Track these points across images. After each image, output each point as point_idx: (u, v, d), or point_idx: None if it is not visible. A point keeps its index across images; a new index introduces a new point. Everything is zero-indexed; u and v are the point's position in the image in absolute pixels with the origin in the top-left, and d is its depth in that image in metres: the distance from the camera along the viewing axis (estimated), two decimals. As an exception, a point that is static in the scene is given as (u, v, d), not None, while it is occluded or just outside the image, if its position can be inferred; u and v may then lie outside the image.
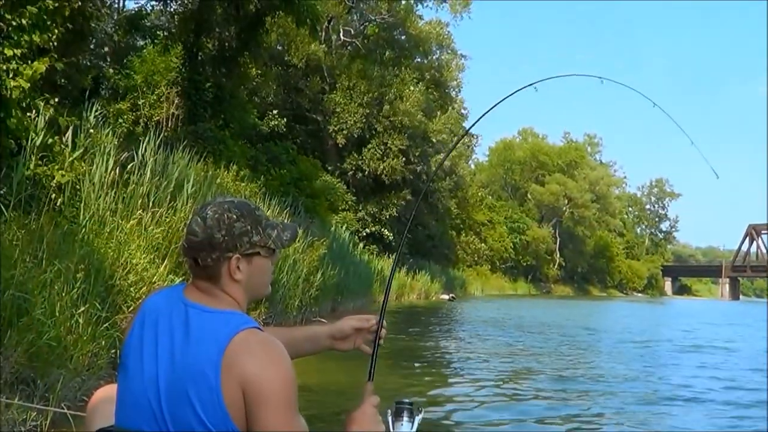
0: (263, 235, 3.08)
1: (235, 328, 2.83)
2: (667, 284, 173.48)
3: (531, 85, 5.25)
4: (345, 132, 50.42)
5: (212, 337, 2.81)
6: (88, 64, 27.63)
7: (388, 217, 51.93)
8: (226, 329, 2.82)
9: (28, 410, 7.78)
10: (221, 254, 2.99)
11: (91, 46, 28.06)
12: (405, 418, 3.46)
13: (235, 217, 3.02)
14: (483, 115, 5.03)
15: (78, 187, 12.72)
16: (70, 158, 12.75)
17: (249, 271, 3.04)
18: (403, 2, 56.81)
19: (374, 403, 3.35)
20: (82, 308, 9.50)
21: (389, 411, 3.44)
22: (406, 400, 3.53)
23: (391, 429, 3.39)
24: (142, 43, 35.10)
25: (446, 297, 58.42)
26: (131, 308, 10.96)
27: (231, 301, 3.01)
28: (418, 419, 3.49)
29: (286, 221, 3.43)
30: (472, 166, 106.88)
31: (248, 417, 2.75)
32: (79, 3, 15.70)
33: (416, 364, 17.04)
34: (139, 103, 32.13)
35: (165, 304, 3.03)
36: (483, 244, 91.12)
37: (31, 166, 11.71)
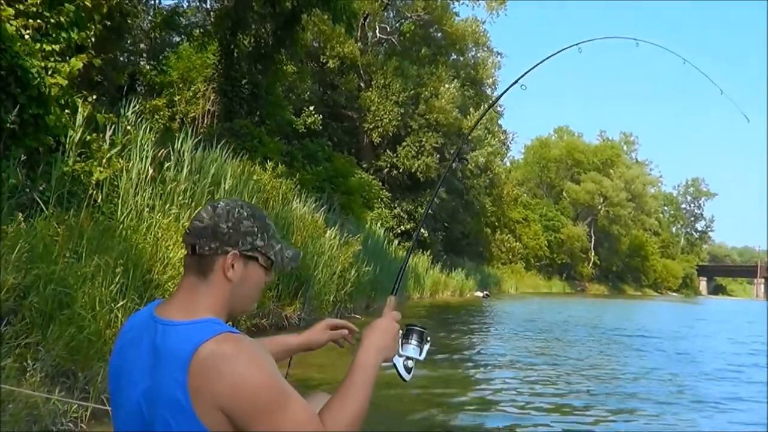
0: (267, 243, 3.03)
1: (198, 342, 2.72)
2: (702, 284, 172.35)
3: (575, 45, 5.28)
4: (380, 130, 50.37)
5: (176, 356, 2.73)
6: (125, 61, 27.84)
7: (423, 214, 51.77)
8: (189, 345, 2.72)
9: (68, 403, 7.88)
10: (221, 246, 2.93)
11: (128, 43, 28.27)
12: (414, 342, 3.42)
13: (245, 214, 2.99)
14: (525, 74, 5.05)
15: (116, 183, 12.83)
16: (108, 155, 12.85)
17: (243, 274, 2.98)
18: (439, 0, 56.70)
19: (395, 318, 3.39)
20: (121, 302, 9.60)
21: (399, 332, 3.38)
22: (418, 325, 3.50)
23: (399, 349, 3.36)
24: (178, 39, 35.30)
25: (480, 294, 58.23)
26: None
27: (209, 306, 2.93)
28: (426, 348, 3.46)
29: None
30: (508, 164, 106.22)
31: (239, 429, 2.69)
32: (117, 0, 15.85)
33: (439, 357, 17.02)
34: (176, 99, 32.34)
35: (139, 327, 2.97)
36: (518, 242, 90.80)
37: (70, 163, 11.81)
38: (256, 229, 2.99)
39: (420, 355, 3.42)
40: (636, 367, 18.83)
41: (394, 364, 3.33)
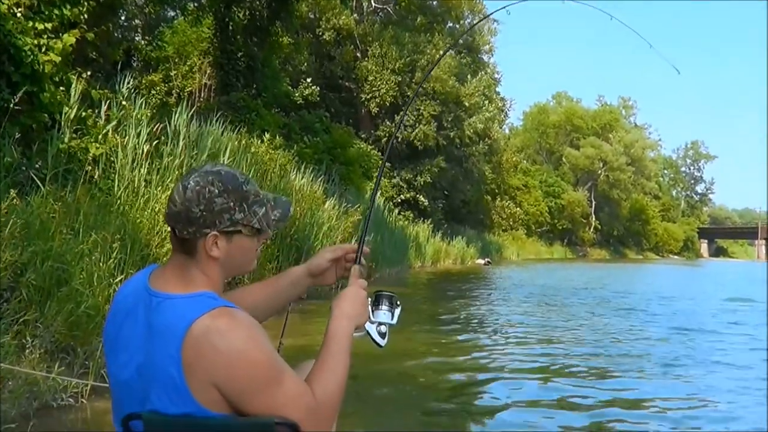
0: (247, 213, 2.94)
1: (193, 317, 2.70)
2: (704, 246, 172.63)
3: (503, 8, 5.24)
4: (378, 99, 50.26)
5: (170, 332, 2.70)
6: (120, 36, 27.77)
7: (422, 183, 51.77)
8: (183, 321, 2.70)
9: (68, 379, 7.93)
10: (198, 229, 2.85)
11: (122, 19, 28.21)
12: (385, 307, 3.42)
13: (217, 191, 2.87)
14: (457, 40, 5.05)
15: (112, 159, 12.82)
16: (104, 131, 12.85)
17: (228, 249, 2.92)
18: (434, -33, 56.44)
19: (362, 285, 3.41)
20: (120, 277, 9.64)
21: (369, 299, 3.39)
22: (386, 290, 3.50)
23: (371, 316, 3.36)
24: (173, 14, 35.20)
25: (482, 262, 58.31)
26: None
27: (203, 279, 2.90)
28: (397, 311, 3.45)
29: (281, 197, 3.27)
30: (507, 131, 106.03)
31: (233, 405, 2.70)
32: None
33: (425, 327, 17.11)
34: (172, 74, 32.27)
35: (133, 297, 2.94)
36: (518, 209, 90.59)
37: (66, 140, 11.82)
38: (232, 204, 2.89)
39: (392, 319, 3.40)
40: (622, 328, 19.09)
41: (367, 331, 3.34)
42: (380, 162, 47.65)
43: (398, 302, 3.48)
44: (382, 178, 46.96)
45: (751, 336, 18.61)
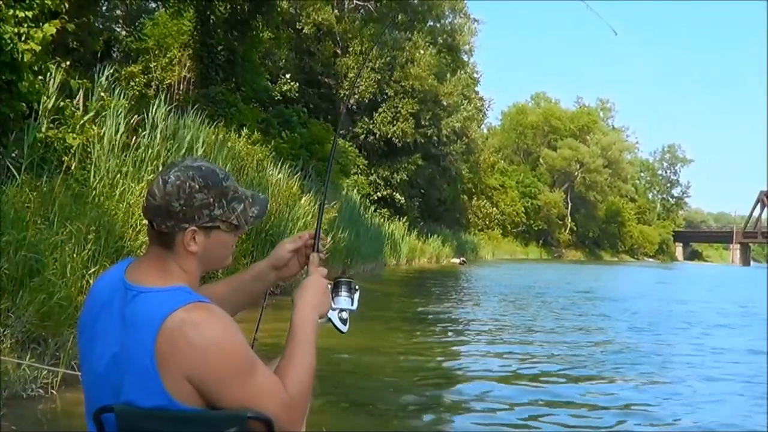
0: (226, 209, 2.96)
1: (168, 310, 2.70)
2: (679, 249, 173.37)
3: None
4: (357, 96, 50.24)
5: (145, 324, 2.71)
6: (100, 27, 27.69)
7: (399, 180, 51.84)
8: (158, 314, 2.70)
9: (38, 369, 7.92)
10: (177, 224, 2.87)
11: (103, 9, 28.13)
12: (344, 293, 3.46)
13: (197, 187, 2.88)
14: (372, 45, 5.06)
15: (89, 149, 12.79)
16: (82, 121, 12.82)
17: (206, 244, 2.94)
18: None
19: (322, 274, 3.41)
20: (93, 269, 9.63)
21: (328, 286, 3.40)
22: (345, 276, 3.53)
23: (331, 303, 3.38)
24: (154, 5, 35.13)
25: (457, 261, 58.48)
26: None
27: (180, 274, 2.92)
28: (356, 296, 3.49)
29: (259, 194, 3.25)
30: (485, 131, 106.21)
31: (207, 399, 2.71)
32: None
33: (396, 323, 17.20)
34: (151, 66, 32.20)
35: (110, 289, 2.94)
36: (495, 209, 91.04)
37: (43, 129, 11.79)
38: (211, 200, 2.91)
39: (352, 304, 3.45)
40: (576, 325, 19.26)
41: (329, 318, 3.36)
42: (356, 158, 47.73)
43: (356, 287, 3.52)
44: (359, 175, 47.07)
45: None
